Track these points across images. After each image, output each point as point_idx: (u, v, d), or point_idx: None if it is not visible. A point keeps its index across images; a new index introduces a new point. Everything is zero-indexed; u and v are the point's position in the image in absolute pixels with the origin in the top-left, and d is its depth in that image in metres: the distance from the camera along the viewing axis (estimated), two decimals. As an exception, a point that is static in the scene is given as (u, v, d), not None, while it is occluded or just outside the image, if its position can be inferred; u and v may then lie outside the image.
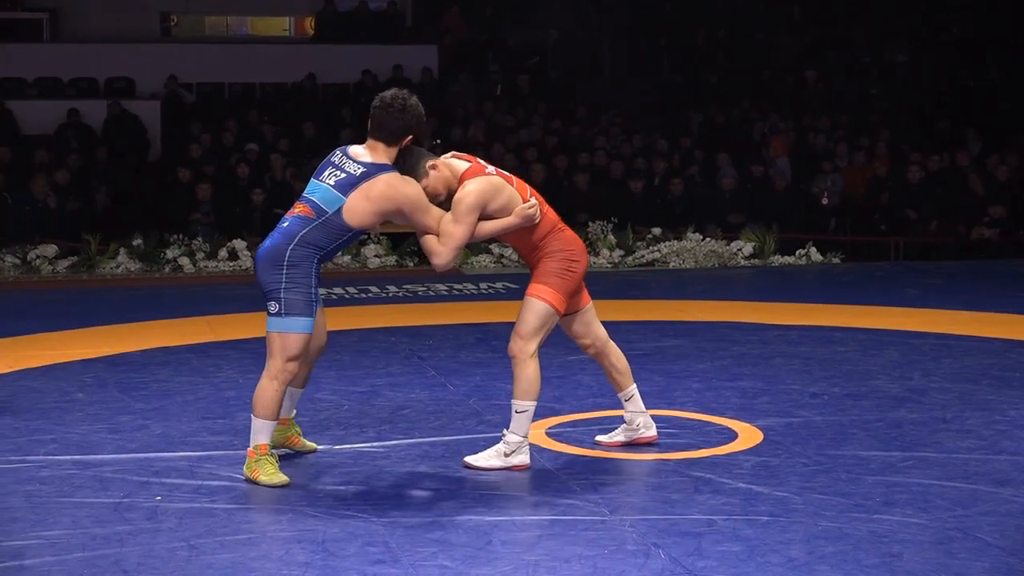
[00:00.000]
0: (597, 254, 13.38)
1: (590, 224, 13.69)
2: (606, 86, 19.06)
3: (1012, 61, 18.59)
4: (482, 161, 5.71)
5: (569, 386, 7.28)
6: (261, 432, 5.43)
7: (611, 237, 13.60)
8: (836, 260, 13.69)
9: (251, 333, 9.02)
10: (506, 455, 5.62)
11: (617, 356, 5.91)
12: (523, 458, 5.64)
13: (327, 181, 5.42)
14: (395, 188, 5.37)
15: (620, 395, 5.98)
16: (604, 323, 5.92)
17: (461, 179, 5.55)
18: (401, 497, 5.26)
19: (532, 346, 5.55)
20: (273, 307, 5.38)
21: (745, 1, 20.48)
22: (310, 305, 5.39)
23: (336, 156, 5.51)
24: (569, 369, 7.70)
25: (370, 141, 5.48)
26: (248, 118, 16.91)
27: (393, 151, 5.46)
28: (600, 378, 6.96)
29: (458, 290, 11.48)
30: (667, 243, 13.62)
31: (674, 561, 4.45)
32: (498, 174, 5.62)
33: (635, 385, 5.97)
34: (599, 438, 6.05)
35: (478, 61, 19.44)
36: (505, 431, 5.65)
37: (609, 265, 13.35)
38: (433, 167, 5.53)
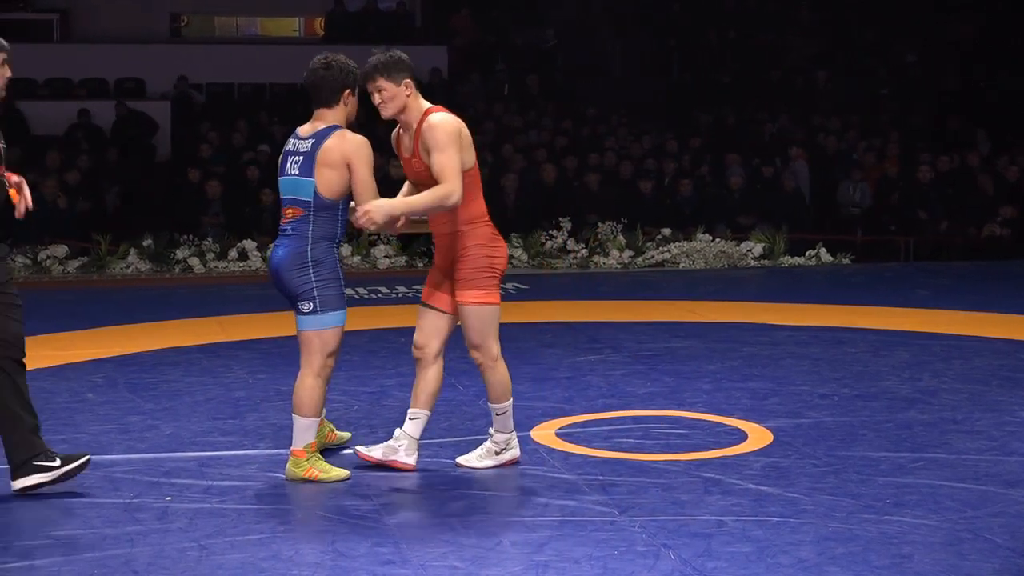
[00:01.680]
0: (607, 254, 13.38)
1: (600, 224, 13.68)
2: (615, 87, 19.06)
3: (1022, 62, 18.54)
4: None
5: (579, 387, 7.27)
6: (309, 430, 5.44)
7: (621, 238, 13.59)
8: (846, 261, 13.67)
9: (262, 333, 9.03)
10: (496, 453, 5.66)
11: (436, 376, 5.62)
12: (514, 452, 5.69)
13: (292, 172, 5.47)
14: (340, 140, 5.38)
15: (411, 411, 5.60)
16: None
17: (426, 113, 5.41)
18: (411, 497, 5.26)
19: (492, 350, 5.53)
20: (307, 306, 5.38)
21: (755, 2, 20.46)
22: (342, 298, 5.44)
23: (289, 144, 5.56)
24: (579, 370, 7.70)
25: (315, 113, 5.52)
26: (258, 119, 16.93)
27: (338, 112, 5.49)
28: (609, 379, 6.96)
29: (468, 291, 11.45)
30: (677, 244, 13.61)
31: (684, 562, 4.44)
32: None
33: (429, 415, 5.61)
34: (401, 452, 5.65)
35: (488, 62, 19.45)
36: (492, 430, 5.68)
37: (619, 266, 13.33)
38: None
